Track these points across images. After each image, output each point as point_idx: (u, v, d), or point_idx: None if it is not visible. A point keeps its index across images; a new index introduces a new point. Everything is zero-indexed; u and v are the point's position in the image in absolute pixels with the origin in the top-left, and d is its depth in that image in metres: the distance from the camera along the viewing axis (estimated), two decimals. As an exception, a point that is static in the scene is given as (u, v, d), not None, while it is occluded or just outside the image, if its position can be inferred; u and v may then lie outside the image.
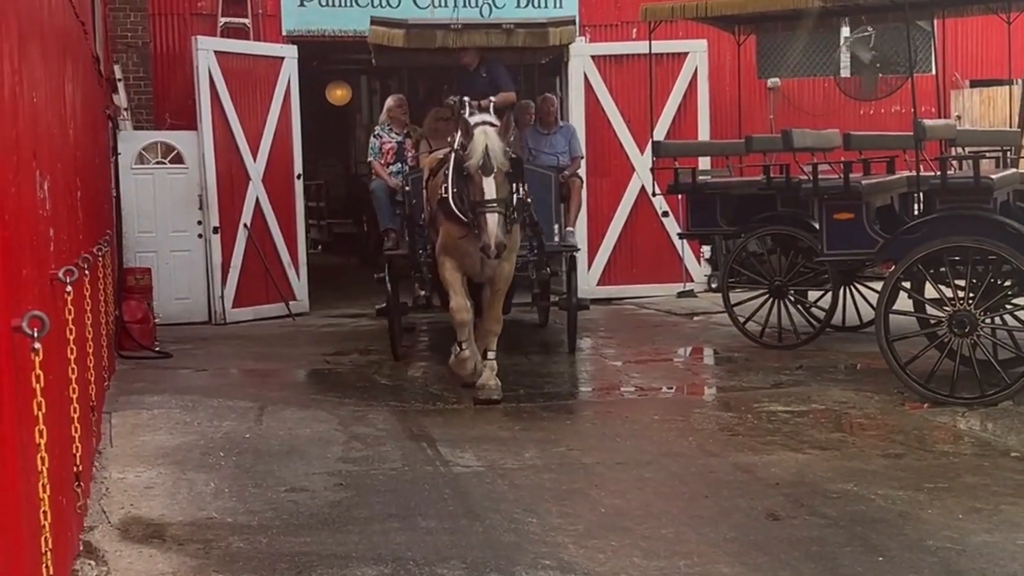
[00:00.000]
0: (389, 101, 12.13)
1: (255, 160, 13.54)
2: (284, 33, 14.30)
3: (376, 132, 12.01)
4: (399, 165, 11.61)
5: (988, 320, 8.47)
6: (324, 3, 14.37)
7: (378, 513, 6.00)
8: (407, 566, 5.19)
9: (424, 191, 9.66)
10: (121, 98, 13.42)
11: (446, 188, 8.53)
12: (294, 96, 13.90)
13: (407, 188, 10.79)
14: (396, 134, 11.80)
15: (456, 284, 8.69)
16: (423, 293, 10.28)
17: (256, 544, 5.54)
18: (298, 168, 14.09)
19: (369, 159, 11.98)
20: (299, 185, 14.19)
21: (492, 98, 9.80)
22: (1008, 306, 8.92)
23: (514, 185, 8.49)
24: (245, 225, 13.43)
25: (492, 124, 8.45)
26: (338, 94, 22.88)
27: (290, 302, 13.78)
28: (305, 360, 11.08)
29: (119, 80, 13.49)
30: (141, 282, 11.86)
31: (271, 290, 13.65)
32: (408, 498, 6.27)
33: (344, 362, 10.82)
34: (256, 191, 13.54)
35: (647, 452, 7.36)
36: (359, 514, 6.00)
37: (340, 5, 14.40)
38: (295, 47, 14.04)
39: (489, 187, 8.10)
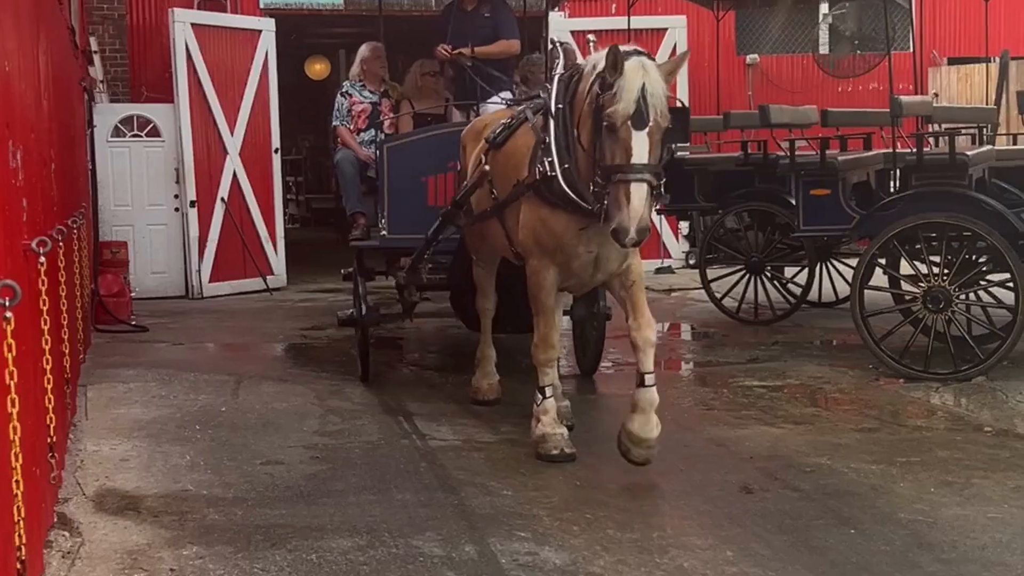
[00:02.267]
0: (363, 50, 9.72)
1: (232, 134, 13.49)
2: (262, 6, 14.25)
3: (344, 90, 9.64)
4: (372, 132, 9.36)
5: (962, 296, 8.52)
6: (302, -24, 14.30)
7: (353, 486, 6.01)
8: (382, 537, 5.20)
9: (473, 170, 7.17)
10: (97, 70, 13.35)
11: (549, 162, 6.17)
12: (272, 70, 13.85)
13: (381, 159, 8.59)
14: (370, 93, 9.54)
15: (551, 305, 6.50)
16: (415, 298, 8.68)
17: (231, 516, 5.54)
18: (276, 142, 14.05)
19: (334, 123, 9.53)
20: (277, 159, 14.14)
21: (491, 47, 8.84)
22: (982, 282, 8.97)
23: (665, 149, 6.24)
24: (222, 199, 13.39)
25: (648, 56, 5.98)
26: (317, 68, 22.80)
27: (267, 277, 13.76)
28: (282, 334, 11.06)
29: (95, 52, 13.42)
30: (117, 256, 11.82)
31: (248, 265, 13.63)
32: (384, 471, 6.27)
33: (321, 336, 10.82)
34: (233, 165, 13.50)
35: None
36: (334, 487, 6.01)
37: (318, -22, 14.33)
38: (273, 20, 13.98)
39: (640, 146, 5.70)
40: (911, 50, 11.28)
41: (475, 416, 7.51)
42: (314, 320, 11.66)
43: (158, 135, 13.23)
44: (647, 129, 5.70)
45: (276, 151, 14.07)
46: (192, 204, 13.16)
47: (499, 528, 5.33)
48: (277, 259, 14.06)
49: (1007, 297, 8.45)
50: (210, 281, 13.31)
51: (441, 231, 7.83)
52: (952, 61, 16.01)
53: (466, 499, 5.77)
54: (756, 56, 15.86)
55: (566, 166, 6.14)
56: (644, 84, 5.72)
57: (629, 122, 5.70)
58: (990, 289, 9.16)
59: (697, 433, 7.08)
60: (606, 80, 5.80)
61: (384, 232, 8.40)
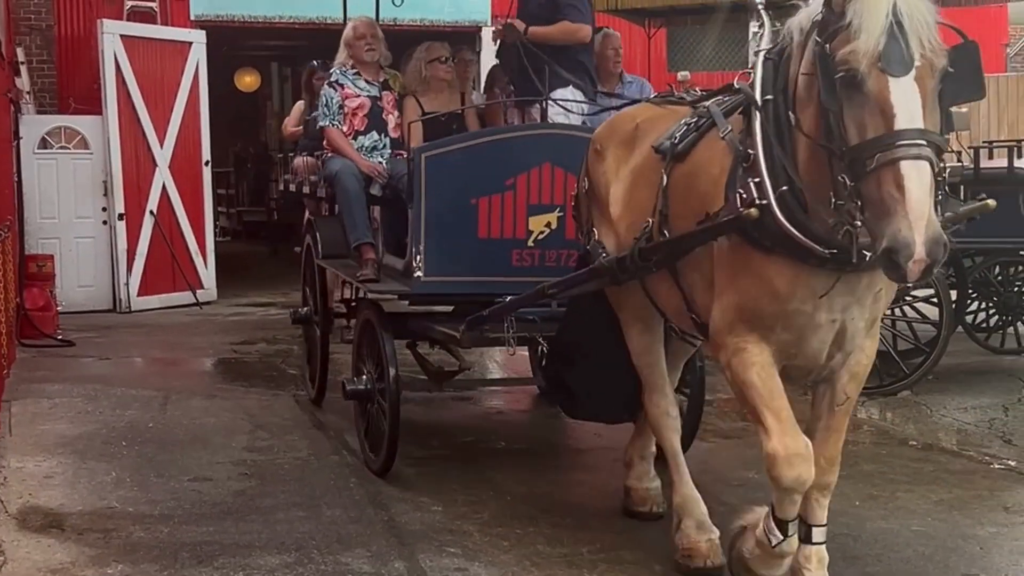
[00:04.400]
0: (356, 26, 7.60)
1: (162, 146, 13.36)
2: (192, 18, 14.10)
3: (334, 79, 7.44)
4: (374, 135, 7.34)
5: (888, 312, 8.63)
6: (233, -12, 14.19)
7: (282, 502, 5.97)
8: (311, 554, 5.17)
9: (629, 192, 5.06)
10: (24, 81, 13.17)
11: (757, 183, 4.05)
12: (202, 82, 13.73)
13: (395, 178, 6.91)
14: (368, 83, 7.44)
15: (782, 403, 4.25)
16: (464, 364, 7.04)
17: (157, 534, 5.48)
18: (206, 155, 13.93)
19: (322, 123, 7.39)
20: (207, 172, 14.02)
21: (548, 28, 6.95)
22: (907, 298, 9.10)
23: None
24: (151, 212, 13.24)
25: None
26: (247, 80, 22.69)
27: (197, 291, 13.62)
28: (212, 349, 10.95)
29: (21, 63, 13.23)
30: (43, 269, 11.66)
31: (178, 278, 13.48)
32: (313, 487, 6.24)
33: (251, 351, 10.73)
34: (163, 177, 13.36)
35: (555, 442, 7.40)
36: (263, 503, 5.96)
37: (250, -10, 14.24)
38: (203, 32, 13.85)
39: (905, 100, 3.61)
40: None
41: (406, 432, 7.47)
42: (245, 334, 11.56)
43: (86, 147, 13.06)
44: (912, 73, 3.61)
45: (207, 163, 13.96)
46: (120, 217, 13.00)
47: (429, 544, 5.32)
48: (207, 272, 13.93)
49: (931, 312, 8.58)
50: (139, 295, 13.15)
51: (572, 287, 5.38)
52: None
53: (396, 515, 5.75)
54: (687, 73, 15.98)
55: (784, 188, 4.01)
56: (895, 2, 3.64)
57: (880, 64, 3.60)
58: (914, 305, 9.29)
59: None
60: (831, 14, 3.75)
61: (418, 274, 6.15)
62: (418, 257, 6.15)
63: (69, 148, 13.08)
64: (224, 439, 7.29)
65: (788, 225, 4.00)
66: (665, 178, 4.65)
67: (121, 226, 13.02)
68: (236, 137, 23.35)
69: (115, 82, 12.90)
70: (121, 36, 13.00)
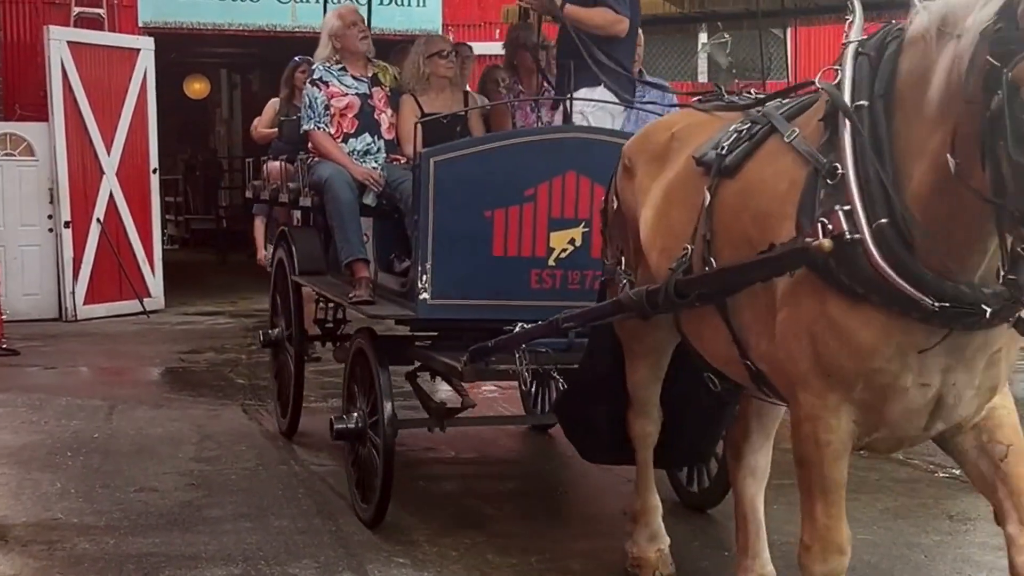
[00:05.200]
0: (330, 20, 6.90)
1: (109, 153, 13.25)
2: (140, 24, 14.01)
3: (316, 75, 6.74)
4: (368, 138, 6.63)
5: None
6: (182, -6, 14.11)
7: (230, 513, 5.93)
8: (258, 566, 5.14)
9: (661, 211, 4.33)
10: (-32, 88, 13.02)
11: (846, 211, 3.30)
12: (150, 89, 13.63)
13: (391, 185, 6.26)
14: (355, 79, 6.73)
15: (840, 478, 3.65)
16: (469, 402, 5.89)
17: (103, 545, 5.43)
18: (154, 162, 13.84)
19: (306, 127, 6.67)
20: (155, 179, 13.93)
21: (585, 11, 6.07)
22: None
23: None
24: (98, 220, 13.13)
25: None
26: (196, 88, 22.56)
27: (144, 299, 13.51)
28: (159, 358, 10.87)
29: (-34, 69, 13.09)
30: (-13, 277, 11.53)
31: (125, 287, 13.37)
32: (261, 498, 6.20)
33: (199, 360, 10.66)
34: (110, 185, 13.26)
35: (506, 451, 7.40)
36: (210, 514, 5.92)
37: (198, -3, 14.15)
38: (151, 39, 13.76)
39: None
40: (786, 79, 11.54)
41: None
42: (192, 344, 11.48)
43: (32, 154, 12.93)
44: None
45: (154, 171, 13.87)
46: (67, 224, 12.88)
47: (377, 554, 5.30)
48: (155, 281, 13.83)
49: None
50: (85, 303, 13.03)
51: (591, 320, 4.74)
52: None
53: (344, 525, 5.73)
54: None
55: (884, 220, 3.25)
56: None
57: None
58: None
59: (579, 458, 7.11)
60: (1013, 28, 2.86)
61: (424, 296, 5.43)
62: (424, 277, 5.37)
63: (15, 155, 12.94)
64: (171, 449, 7.23)
65: (889, 269, 3.22)
66: (709, 196, 3.90)
67: (67, 234, 12.90)
68: (185, 144, 23.20)
69: (62, 89, 12.79)
70: (68, 43, 12.89)
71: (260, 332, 7.87)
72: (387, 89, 6.73)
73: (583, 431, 5.27)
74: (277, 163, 8.00)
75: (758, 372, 3.85)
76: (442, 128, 6.29)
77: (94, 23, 13.64)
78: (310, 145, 6.71)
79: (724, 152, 3.90)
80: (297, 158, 7.10)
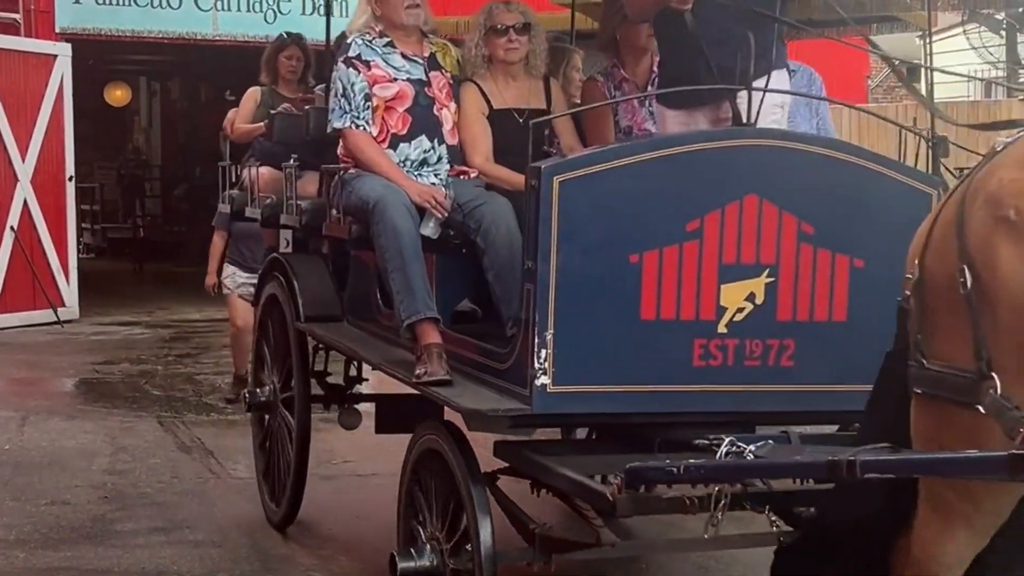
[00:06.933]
0: None
1: (24, 161, 13.03)
2: (58, 30, 13.80)
3: (354, 52, 4.86)
4: (424, 142, 4.82)
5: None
6: (100, 1, 13.91)
7: (144, 527, 5.85)
8: (172, 581, 5.09)
9: None
10: None
11: None
12: (67, 96, 13.44)
13: (461, 210, 4.56)
14: (408, 60, 4.89)
15: None
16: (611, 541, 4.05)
17: (12, 560, 5.33)
18: (70, 170, 13.64)
19: (338, 124, 4.84)
20: (71, 187, 13.74)
21: None
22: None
23: None
24: (12, 228, 12.89)
25: None
26: (117, 95, 22.32)
27: (59, 308, 13.28)
28: (72, 369, 10.70)
29: None
30: None
31: (38, 296, 13.14)
32: (176, 511, 6.12)
33: (114, 371, 10.50)
34: (24, 193, 13.03)
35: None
36: (123, 528, 5.84)
37: (117, 4, 13.97)
38: (69, 45, 13.57)
39: None
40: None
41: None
42: (107, 354, 11.33)
43: (-57, 160, 12.71)
44: None
45: (70, 179, 13.68)
46: (-21, 232, 12.66)
47: (294, 569, 5.28)
48: (69, 290, 13.62)
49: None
50: (-3, 312, 12.81)
51: (916, 470, 3.13)
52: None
53: (261, 540, 5.68)
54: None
55: None
56: None
57: None
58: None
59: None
60: None
61: (543, 380, 3.75)
62: (542, 352, 3.73)
63: (-75, 161, 12.69)
64: (84, 462, 7.12)
65: None
66: None
67: (-21, 242, 12.68)
68: (104, 152, 22.91)
69: (-25, 94, 12.57)
70: (-18, 47, 12.68)
71: (244, 393, 6.23)
72: (448, 75, 4.94)
73: None
74: (267, 170, 6.40)
75: None
76: (516, 130, 4.65)
77: (10, 28, 13.43)
78: (340, 150, 4.94)
79: None
80: (290, 164, 5.62)
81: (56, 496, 6.36)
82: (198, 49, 15.21)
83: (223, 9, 14.08)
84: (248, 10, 14.10)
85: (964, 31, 17.29)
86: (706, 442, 3.61)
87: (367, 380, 5.90)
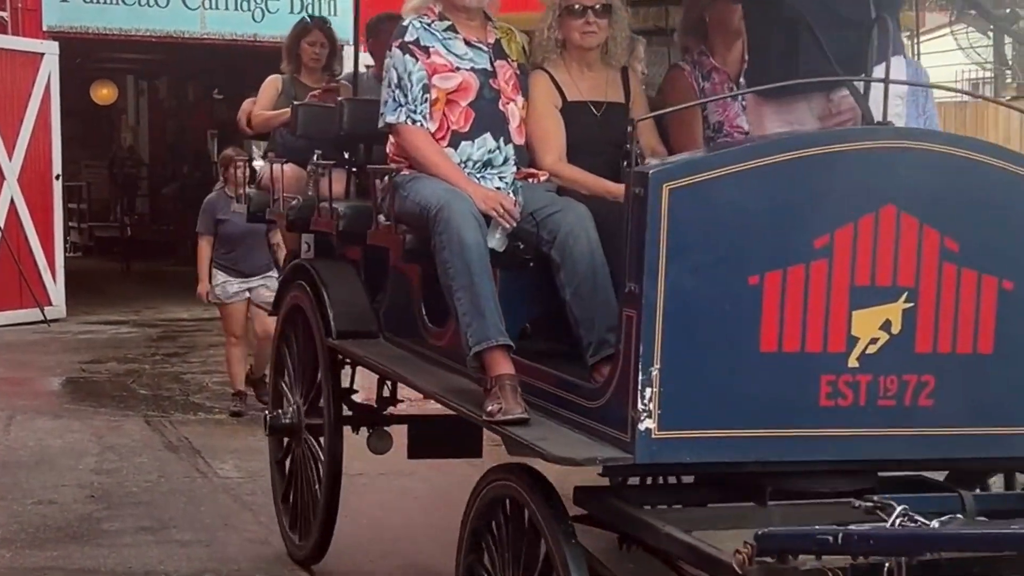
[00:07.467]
0: None
1: (11, 159, 13.02)
2: (45, 28, 13.76)
3: (411, 37, 4.25)
4: (488, 140, 4.23)
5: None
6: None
7: (130, 526, 5.85)
8: (159, 580, 5.09)
9: None
10: None
11: None
12: (54, 94, 13.42)
13: (532, 219, 3.96)
14: (472, 47, 4.30)
15: None
16: None
17: (-2, 559, 5.33)
18: (57, 168, 13.63)
19: (390, 118, 4.22)
20: (58, 186, 13.72)
21: None
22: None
23: None
24: (-2, 226, 12.89)
25: None
26: (104, 93, 22.25)
27: (46, 307, 13.25)
28: (59, 368, 10.68)
29: None
30: None
31: (25, 295, 13.10)
32: (163, 510, 6.12)
33: (101, 370, 10.49)
34: (11, 191, 13.01)
35: (413, 464, 7.35)
36: (110, 527, 5.83)
37: (105, 2, 13.93)
38: (56, 43, 13.55)
39: None
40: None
41: (261, 452, 7.34)
42: (94, 353, 11.30)
43: (-71, 158, 12.67)
44: None
45: (57, 177, 13.66)
46: (-35, 231, 12.63)
47: (283, 568, 5.28)
48: (56, 289, 13.59)
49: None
50: (-17, 312, 12.78)
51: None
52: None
53: (249, 538, 5.70)
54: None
55: None
56: None
57: None
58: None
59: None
60: None
61: (648, 424, 3.19)
62: (647, 391, 3.17)
63: (-88, 159, 12.66)
64: (71, 461, 7.11)
65: None
66: None
67: (-35, 240, 12.64)
68: (92, 150, 22.85)
69: (-39, 92, 12.55)
70: (-31, 45, 12.66)
71: (264, 415, 5.65)
72: (515, 65, 4.37)
73: None
74: (290, 167, 5.86)
75: None
76: (592, 126, 4.30)
77: (-3, 26, 13.40)
78: (390, 148, 4.41)
79: None
80: (314, 161, 5.26)
81: (43, 495, 6.35)
82: (186, 48, 15.19)
83: (211, 8, 14.04)
84: (236, 8, 14.06)
85: (952, 31, 17.36)
86: (870, 504, 2.96)
87: (402, 402, 5.37)
